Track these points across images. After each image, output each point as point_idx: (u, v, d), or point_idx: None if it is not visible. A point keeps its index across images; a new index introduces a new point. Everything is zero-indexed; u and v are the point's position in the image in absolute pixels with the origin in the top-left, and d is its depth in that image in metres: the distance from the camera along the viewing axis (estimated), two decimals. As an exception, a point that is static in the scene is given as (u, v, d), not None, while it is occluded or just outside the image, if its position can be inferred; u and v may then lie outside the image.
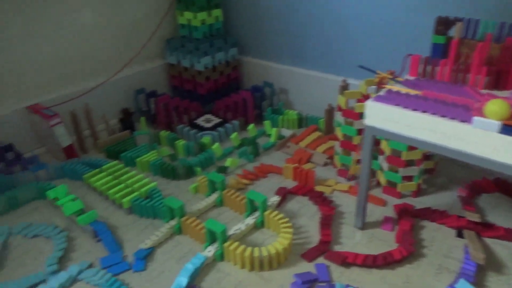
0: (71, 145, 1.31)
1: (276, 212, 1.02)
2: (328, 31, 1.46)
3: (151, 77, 1.71)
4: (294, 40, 1.57)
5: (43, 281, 0.88)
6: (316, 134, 1.46)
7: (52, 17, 1.35)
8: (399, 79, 0.94)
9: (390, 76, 0.95)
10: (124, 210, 1.11)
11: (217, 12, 1.64)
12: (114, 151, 1.35)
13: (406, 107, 0.82)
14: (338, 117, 1.21)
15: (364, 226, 1.04)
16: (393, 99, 0.84)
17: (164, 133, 1.43)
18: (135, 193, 1.11)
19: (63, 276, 0.87)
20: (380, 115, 0.86)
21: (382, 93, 0.89)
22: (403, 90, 0.87)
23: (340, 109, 1.20)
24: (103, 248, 0.98)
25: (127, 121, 1.53)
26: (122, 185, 1.14)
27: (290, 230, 0.96)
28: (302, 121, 1.57)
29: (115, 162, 1.25)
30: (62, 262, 0.94)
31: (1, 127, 1.29)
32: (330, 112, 1.46)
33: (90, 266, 0.93)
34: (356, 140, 1.17)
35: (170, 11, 1.70)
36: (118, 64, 1.59)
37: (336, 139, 1.26)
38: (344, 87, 1.35)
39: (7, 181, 1.19)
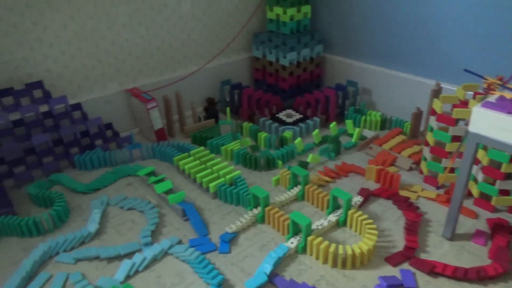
0: (162, 128, 1.40)
1: (360, 212, 1.01)
2: (422, 31, 1.40)
3: (235, 69, 1.76)
4: (383, 39, 1.53)
5: (139, 250, 0.95)
6: (401, 137, 1.41)
7: (155, 7, 1.44)
8: (511, 85, 0.88)
9: (500, 82, 0.89)
10: (209, 194, 1.16)
11: (306, 9, 1.64)
12: (200, 137, 1.41)
13: (521, 115, 0.76)
14: (431, 121, 1.16)
15: (453, 237, 0.99)
16: (505, 106, 0.79)
17: (247, 124, 1.47)
18: (221, 179, 1.15)
19: (156, 248, 0.94)
20: (488, 123, 0.81)
21: (491, 99, 0.84)
22: (517, 97, 0.82)
23: (434, 113, 1.15)
24: (190, 227, 1.03)
25: (211, 109, 1.59)
26: (208, 170, 1.19)
27: (375, 232, 0.94)
28: (385, 123, 1.53)
29: (202, 148, 1.30)
30: (154, 235, 1.01)
31: (104, 106, 1.41)
32: (418, 116, 1.40)
33: (179, 242, 0.98)
34: (449, 147, 1.11)
35: (261, 6, 1.74)
36: (208, 55, 1.66)
37: (424, 144, 1.21)
38: (437, 91, 1.29)
39: (104, 156, 1.30)
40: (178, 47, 1.56)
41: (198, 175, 1.17)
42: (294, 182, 1.17)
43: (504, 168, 1.01)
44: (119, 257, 0.94)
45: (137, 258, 0.91)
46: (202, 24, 1.60)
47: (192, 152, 1.28)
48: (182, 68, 1.61)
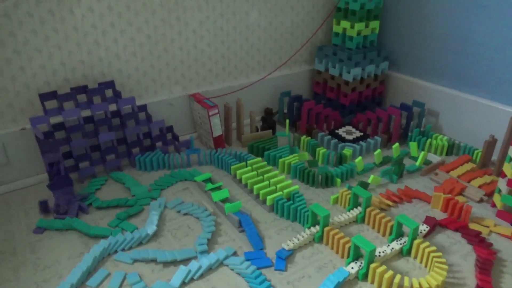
0: (221, 135, 1.40)
1: (427, 243, 0.94)
2: (501, 53, 1.31)
3: (295, 81, 1.74)
4: (455, 59, 1.45)
5: (194, 257, 0.94)
6: (470, 165, 1.32)
7: (224, 15, 1.46)
8: None
9: None
10: (265, 207, 1.14)
11: (374, 24, 1.60)
12: (257, 147, 1.40)
13: None
14: (511, 152, 1.07)
15: (532, 282, 0.90)
16: None
17: (305, 138, 1.44)
18: (279, 193, 1.13)
19: (212, 257, 0.92)
20: None
21: None
22: None
23: (515, 143, 1.06)
24: (245, 239, 1.02)
25: (269, 120, 1.58)
26: (266, 182, 1.17)
27: (445, 266, 0.88)
28: (452, 149, 1.44)
29: (259, 158, 1.29)
30: (209, 244, 1.00)
31: (166, 109, 1.44)
32: (491, 144, 1.31)
33: (234, 253, 0.97)
34: (531, 181, 1.02)
35: (327, 19, 1.71)
36: (270, 65, 1.66)
37: (500, 175, 1.11)
38: (518, 119, 1.19)
39: (164, 159, 1.32)
40: (242, 56, 1.57)
41: (255, 186, 1.16)
42: (354, 203, 1.12)
43: None
44: (174, 262, 0.94)
45: (193, 265, 0.90)
46: (267, 34, 1.60)
47: (249, 162, 1.27)
48: (243, 77, 1.61)
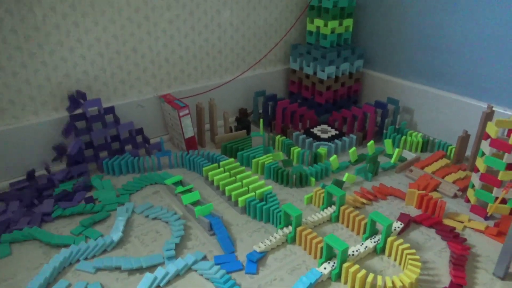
0: (193, 136, 1.37)
1: (401, 240, 0.92)
2: (472, 49, 1.31)
3: (270, 80, 1.72)
4: (428, 56, 1.45)
5: (162, 264, 0.90)
6: (444, 161, 1.31)
7: (195, 14, 1.42)
8: None
9: None
10: (237, 209, 1.10)
11: (348, 22, 1.59)
12: (231, 148, 1.37)
13: None
14: (483, 146, 1.06)
15: (506, 276, 0.89)
16: None
17: (280, 138, 1.42)
18: (251, 194, 1.10)
19: (180, 263, 0.88)
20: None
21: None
22: None
23: (487, 137, 1.06)
24: (216, 243, 0.98)
25: (243, 120, 1.55)
26: (238, 183, 1.14)
27: (418, 263, 0.86)
28: (427, 145, 1.43)
29: (232, 159, 1.25)
30: (178, 248, 0.96)
31: (136, 111, 1.39)
32: (464, 139, 1.31)
33: (204, 257, 0.93)
34: (503, 175, 1.01)
35: (301, 18, 1.70)
36: (244, 65, 1.63)
37: (473, 170, 1.11)
38: (489, 115, 1.19)
39: (133, 162, 1.27)
40: (214, 55, 1.54)
41: (227, 188, 1.12)
42: (328, 201, 1.10)
43: None
44: (140, 270, 0.89)
45: (160, 272, 0.86)
46: (240, 33, 1.57)
47: (222, 163, 1.23)
48: (217, 77, 1.58)
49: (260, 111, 1.63)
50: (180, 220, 1.04)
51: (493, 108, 1.21)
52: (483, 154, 1.07)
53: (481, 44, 1.29)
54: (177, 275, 0.88)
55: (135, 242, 0.98)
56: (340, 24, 1.57)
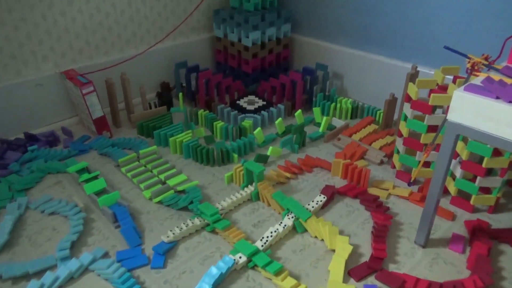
0: (103, 116, 1.22)
1: (321, 219, 0.86)
2: (397, 8, 1.25)
3: (195, 50, 1.58)
4: (356, 19, 1.37)
5: (52, 267, 0.78)
6: (372, 127, 1.27)
7: (93, -23, 1.24)
8: (498, 66, 0.74)
9: (485, 62, 0.75)
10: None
11: (272, -18, 1.47)
12: (147, 127, 1.24)
13: (511, 101, 0.62)
14: (405, 109, 1.01)
15: (427, 243, 0.86)
16: (493, 90, 0.64)
17: (202, 112, 1.31)
18: (169, 193, 0.98)
19: (73, 264, 0.77)
20: (471, 110, 0.67)
21: (475, 82, 0.69)
22: (504, 79, 0.67)
23: (408, 99, 1.01)
24: (122, 236, 0.87)
25: (165, 95, 1.41)
26: (155, 178, 1.02)
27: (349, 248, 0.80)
28: (356, 111, 1.38)
29: (154, 148, 1.12)
30: (76, 246, 0.84)
31: (36, 91, 1.22)
32: (392, 103, 1.26)
33: (106, 254, 0.82)
34: (424, 138, 0.97)
35: (221, -21, 1.56)
36: (163, 33, 1.47)
37: (397, 134, 1.07)
38: (414, 76, 1.15)
39: (38, 153, 1.12)
40: (126, 24, 1.37)
41: (141, 185, 1.00)
42: (249, 179, 1.01)
43: (486, 163, 0.88)
44: (27, 276, 0.77)
45: (48, 278, 0.74)
46: (154, -2, 1.41)
47: (141, 152, 1.10)
48: (131, 48, 1.42)
49: (184, 84, 1.50)
50: (80, 214, 0.91)
51: (418, 69, 1.17)
52: (406, 117, 1.02)
53: (407, 4, 1.22)
54: (71, 279, 0.76)
55: (25, 243, 0.85)
56: (264, -15, 1.45)
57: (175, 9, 1.48)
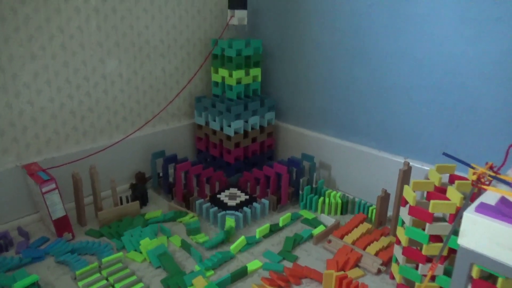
0: (65, 216, 1.08)
1: None
2: (389, 101, 1.21)
3: (175, 138, 1.50)
4: (344, 108, 1.33)
5: None
6: (366, 226, 1.16)
7: (70, 64, 1.18)
8: (507, 177, 0.66)
9: (492, 173, 0.67)
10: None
11: (255, 72, 1.44)
12: (112, 232, 1.10)
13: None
14: (402, 214, 0.91)
15: None
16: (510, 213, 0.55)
17: (182, 220, 1.18)
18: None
19: None
20: (486, 236, 0.56)
21: (486, 200, 0.60)
22: (521, 200, 0.59)
23: (405, 203, 0.91)
24: None
25: (139, 187, 1.29)
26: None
27: None
28: (347, 206, 1.28)
29: (120, 254, 0.98)
30: None
31: (-12, 188, 1.09)
32: (384, 199, 1.17)
33: None
34: (427, 250, 0.86)
35: (206, 68, 1.53)
36: (141, 121, 1.40)
37: (395, 241, 0.95)
38: (407, 172, 1.07)
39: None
40: (101, 112, 1.29)
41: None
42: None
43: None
44: None
45: None
46: (133, 85, 1.35)
47: (104, 260, 0.96)
48: (105, 137, 1.32)
49: (161, 175, 1.39)
50: None
51: (410, 164, 1.10)
52: (403, 222, 0.92)
53: (394, 94, 1.19)
54: None
55: None
56: (247, 74, 1.42)
57: (154, 97, 1.42)
